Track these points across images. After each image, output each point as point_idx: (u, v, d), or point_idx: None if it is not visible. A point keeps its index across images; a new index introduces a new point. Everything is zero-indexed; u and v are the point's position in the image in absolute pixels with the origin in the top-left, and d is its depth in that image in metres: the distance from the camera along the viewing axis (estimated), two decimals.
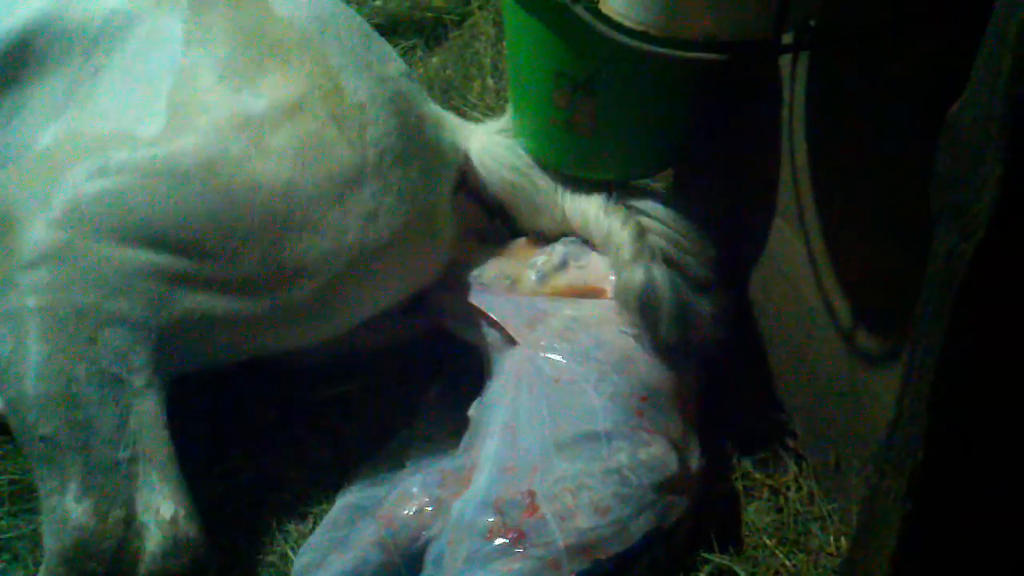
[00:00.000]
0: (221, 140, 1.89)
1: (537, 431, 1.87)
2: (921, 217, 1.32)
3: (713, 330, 2.09)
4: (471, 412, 2.00)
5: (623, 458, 1.83)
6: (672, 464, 1.87)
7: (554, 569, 1.69)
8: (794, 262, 2.06)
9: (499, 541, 1.73)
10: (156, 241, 1.82)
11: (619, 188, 2.23)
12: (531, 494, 1.78)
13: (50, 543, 1.72)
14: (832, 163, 1.92)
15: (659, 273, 2.03)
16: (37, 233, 1.78)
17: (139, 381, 1.79)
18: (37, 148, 1.95)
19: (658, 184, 2.62)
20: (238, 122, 1.91)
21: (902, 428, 1.46)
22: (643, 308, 2.02)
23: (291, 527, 2.00)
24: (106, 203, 1.81)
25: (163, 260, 1.82)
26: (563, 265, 2.22)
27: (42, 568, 1.73)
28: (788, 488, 2.04)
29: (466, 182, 2.29)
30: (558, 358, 1.98)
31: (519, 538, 1.72)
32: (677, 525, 1.84)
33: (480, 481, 1.82)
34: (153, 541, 1.74)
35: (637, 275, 2.03)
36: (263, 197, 1.89)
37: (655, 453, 1.86)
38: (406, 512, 1.86)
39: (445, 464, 1.94)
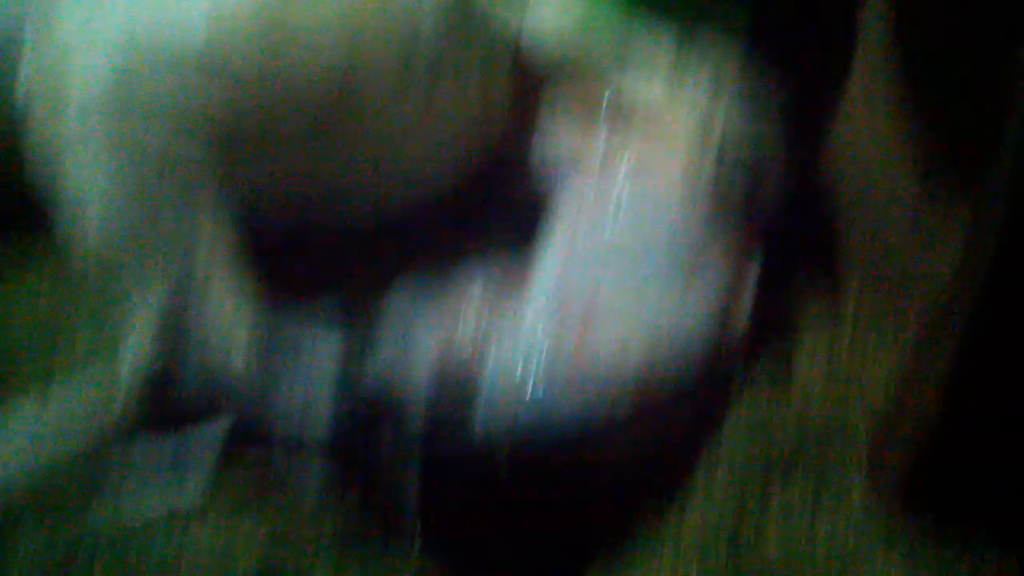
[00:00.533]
0: (270, 51, 1.85)
1: (596, 262, 1.95)
2: (1004, 65, 1.37)
3: (783, 191, 2.14)
4: (530, 245, 2.07)
5: (679, 284, 1.91)
6: (726, 290, 1.95)
7: (610, 402, 1.77)
8: (873, 111, 2.06)
9: (554, 372, 1.80)
10: (209, 131, 1.83)
11: (684, 54, 2.25)
12: (588, 311, 1.86)
13: (127, 363, 1.83)
14: (906, 21, 1.92)
15: (730, 151, 2.07)
16: (94, 78, 1.79)
17: (205, 222, 1.85)
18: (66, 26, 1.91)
19: (730, 35, 2.51)
20: (286, 33, 1.86)
21: (969, 259, 1.53)
22: (717, 167, 2.07)
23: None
24: (160, 49, 1.81)
25: (226, 103, 1.83)
26: (628, 134, 2.22)
27: (119, 388, 1.83)
28: (847, 312, 2.11)
29: (521, 53, 2.26)
30: (618, 208, 2.03)
31: (574, 372, 1.80)
32: (732, 343, 1.93)
33: (532, 314, 1.89)
34: (232, 365, 1.83)
35: (708, 157, 2.06)
36: (314, 106, 1.88)
37: (710, 278, 1.95)
38: (459, 337, 1.91)
39: (500, 293, 1.99)
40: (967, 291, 1.55)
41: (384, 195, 2.09)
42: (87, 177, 1.82)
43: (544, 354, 1.82)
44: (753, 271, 2.10)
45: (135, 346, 1.84)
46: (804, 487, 1.77)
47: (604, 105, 2.29)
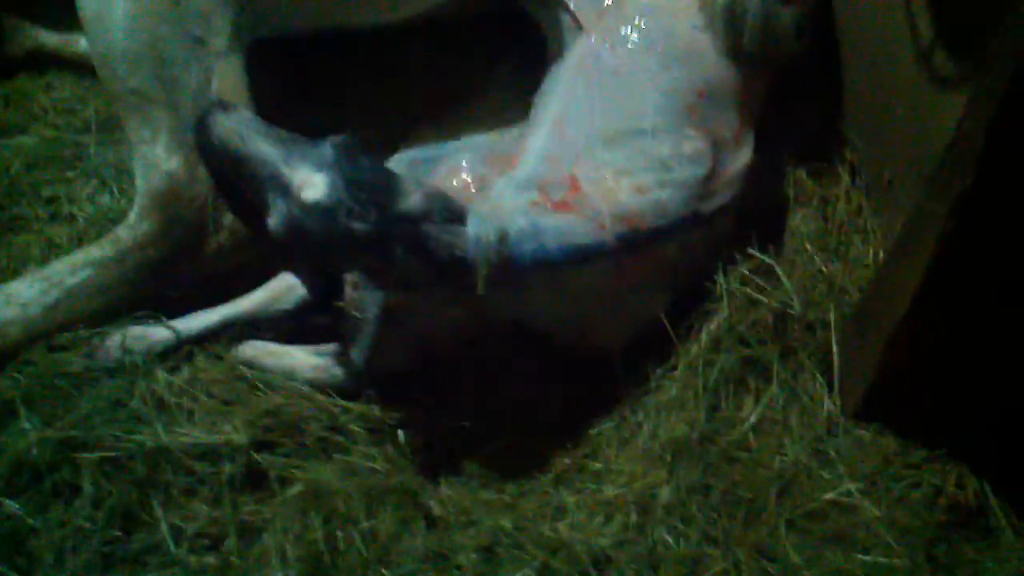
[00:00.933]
0: None
1: (586, 124, 1.92)
2: None
3: (793, 42, 2.06)
4: (533, 101, 2.04)
5: (665, 150, 1.88)
6: (714, 159, 1.91)
7: (600, 228, 1.78)
8: None
9: (544, 209, 1.81)
10: None
11: None
12: (573, 178, 1.85)
13: (143, 185, 1.85)
14: None
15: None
16: None
17: (221, 43, 1.86)
18: None
19: None
20: None
21: (957, 150, 1.49)
22: (727, 15, 1.99)
23: None
24: None
25: None
26: None
27: (135, 207, 1.86)
28: (837, 199, 2.09)
29: None
30: (622, 48, 1.98)
31: (563, 207, 1.80)
32: (716, 214, 1.91)
33: (525, 165, 1.89)
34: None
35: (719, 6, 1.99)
36: None
37: (698, 147, 1.91)
38: (452, 184, 1.91)
39: (496, 147, 1.99)
40: (952, 183, 1.52)
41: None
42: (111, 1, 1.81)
43: (538, 188, 1.82)
44: (756, 114, 2.05)
45: (149, 166, 1.84)
46: (776, 400, 1.80)
47: None
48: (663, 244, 1.85)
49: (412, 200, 1.68)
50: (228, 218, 1.86)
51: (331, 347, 1.85)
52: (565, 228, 1.75)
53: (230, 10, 1.86)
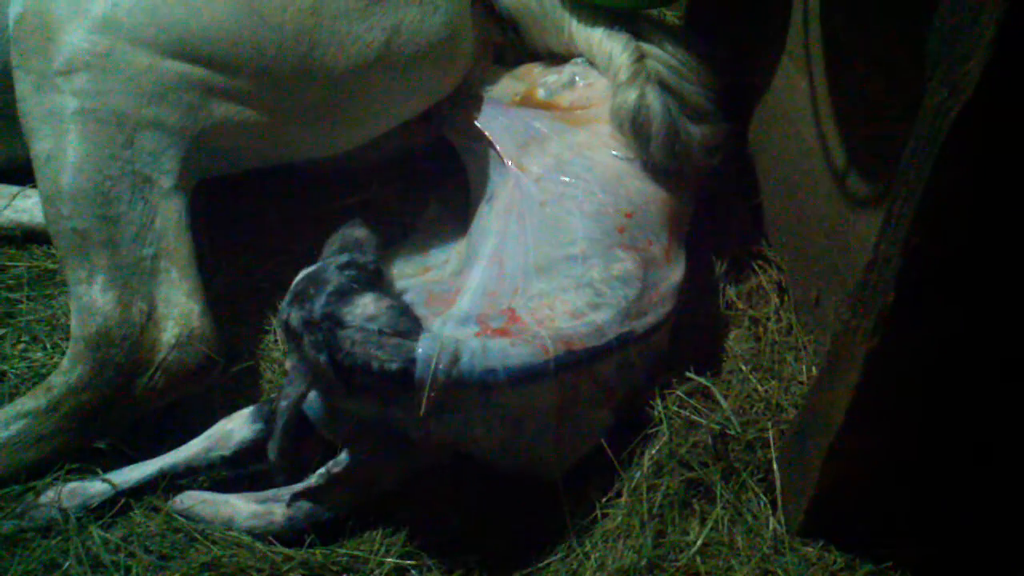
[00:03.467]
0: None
1: (520, 257, 1.97)
2: (921, 70, 1.36)
3: (705, 157, 2.15)
4: (467, 238, 2.11)
5: (596, 274, 1.93)
6: (645, 277, 1.97)
7: (542, 351, 1.78)
8: (796, 102, 2.09)
9: (488, 337, 1.82)
10: (192, 54, 1.89)
11: (627, 17, 2.25)
12: (511, 310, 1.89)
13: (76, 329, 1.84)
14: (843, 7, 1.93)
15: (652, 95, 2.09)
16: (76, 38, 1.84)
17: (167, 183, 1.89)
18: None
19: (669, 16, 2.62)
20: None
21: (877, 269, 1.54)
22: (635, 127, 2.09)
23: None
24: (144, 13, 1.87)
25: (198, 72, 1.90)
26: (571, 84, 2.26)
27: (68, 353, 1.85)
28: (768, 319, 2.15)
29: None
30: (548, 181, 2.06)
31: (504, 333, 1.82)
32: (650, 332, 1.95)
33: (463, 302, 1.93)
34: (170, 333, 1.86)
35: (631, 95, 2.09)
36: (292, 13, 1.94)
37: (628, 268, 1.96)
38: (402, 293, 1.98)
39: (434, 288, 2.04)
40: (874, 300, 1.56)
41: (352, 127, 2.14)
42: (63, 141, 1.84)
43: (477, 322, 1.84)
44: (684, 234, 2.13)
45: (83, 308, 1.83)
46: (721, 522, 1.79)
47: (553, 47, 2.33)
48: (600, 363, 1.86)
49: (357, 307, 1.73)
50: (159, 357, 1.85)
51: (270, 493, 1.82)
52: (509, 350, 1.77)
53: (180, 149, 1.90)
